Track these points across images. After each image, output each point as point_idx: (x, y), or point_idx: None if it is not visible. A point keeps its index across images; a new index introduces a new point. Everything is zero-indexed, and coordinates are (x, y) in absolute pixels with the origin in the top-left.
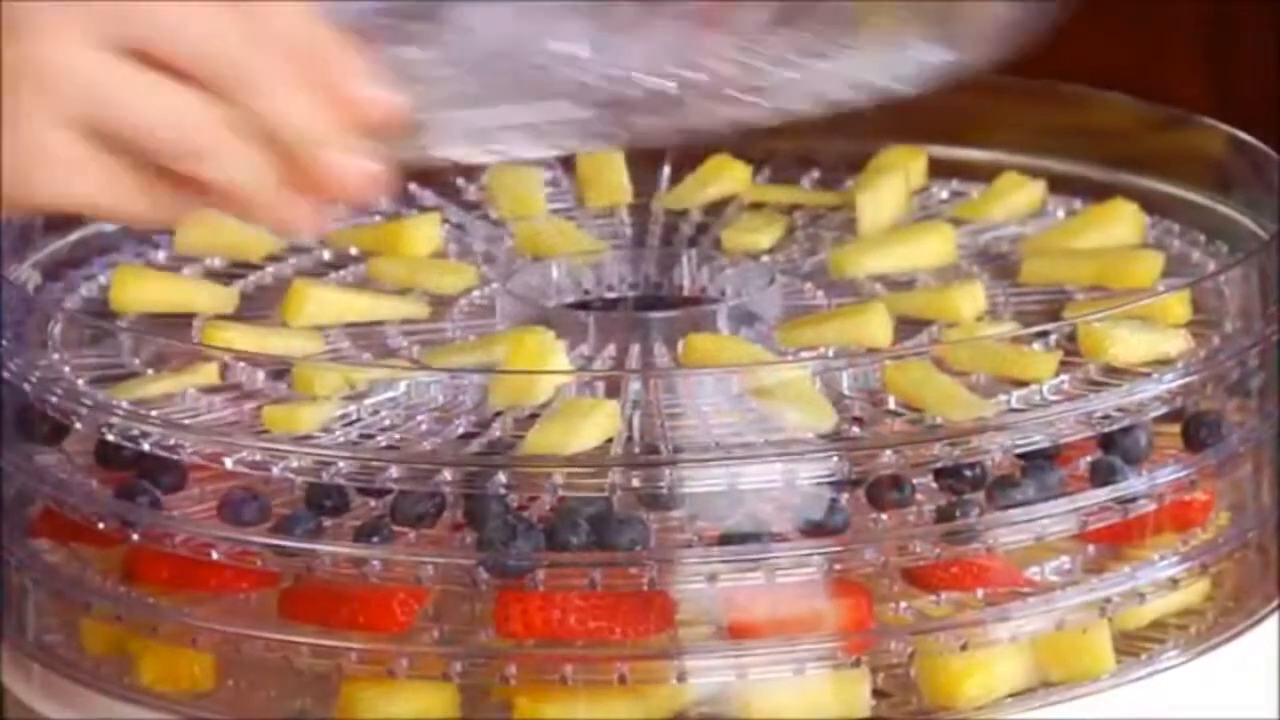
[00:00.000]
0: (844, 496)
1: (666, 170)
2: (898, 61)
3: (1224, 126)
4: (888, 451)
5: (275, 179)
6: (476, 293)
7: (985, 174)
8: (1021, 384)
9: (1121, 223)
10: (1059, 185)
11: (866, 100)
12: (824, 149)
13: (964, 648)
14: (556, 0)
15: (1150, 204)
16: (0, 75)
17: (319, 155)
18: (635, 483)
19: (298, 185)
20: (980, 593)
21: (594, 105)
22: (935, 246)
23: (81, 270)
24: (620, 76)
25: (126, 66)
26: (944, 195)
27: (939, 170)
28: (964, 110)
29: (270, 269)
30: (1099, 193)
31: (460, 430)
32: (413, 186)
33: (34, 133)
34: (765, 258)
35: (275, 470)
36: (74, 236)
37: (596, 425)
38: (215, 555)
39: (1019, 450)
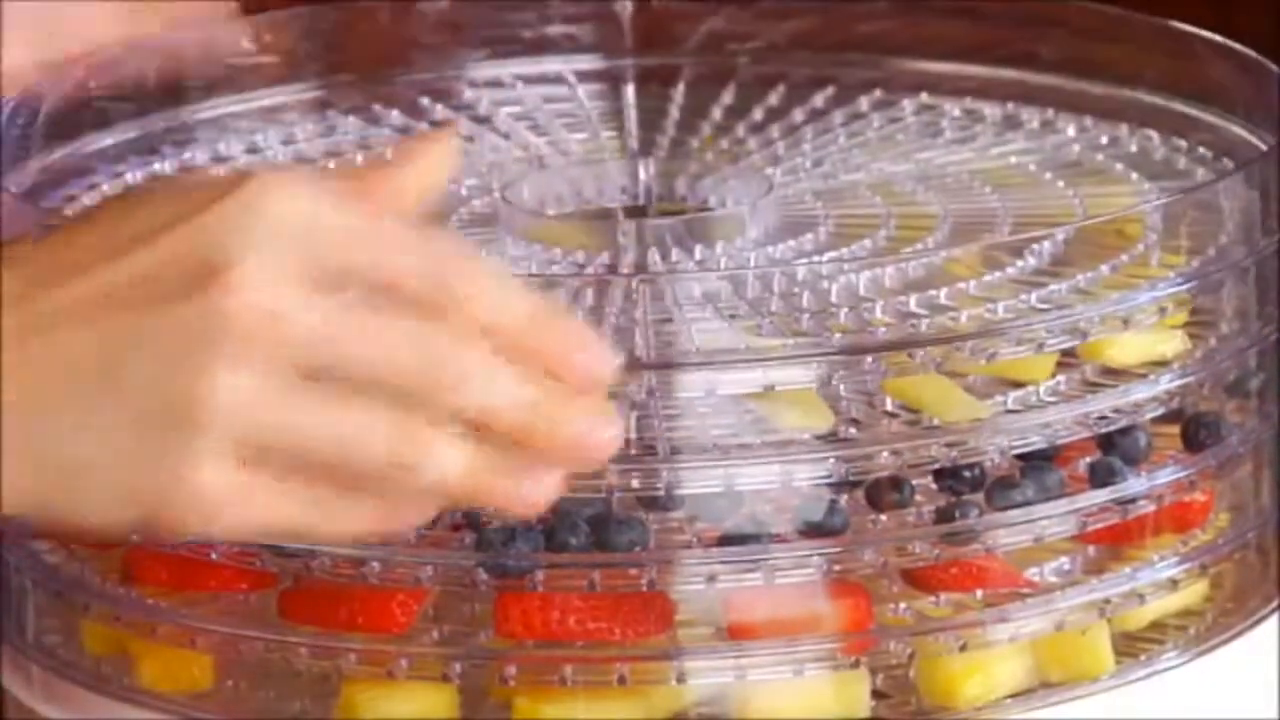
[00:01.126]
0: (843, 497)
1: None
2: None
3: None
4: (886, 452)
5: (496, 463)
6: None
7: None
8: (1019, 385)
9: None
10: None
11: None
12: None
13: (963, 648)
14: None
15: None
16: (160, 416)
17: (556, 428)
18: (634, 484)
19: (529, 461)
20: (979, 594)
21: None
22: None
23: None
24: None
25: (304, 391)
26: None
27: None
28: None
29: None
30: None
31: None
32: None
33: (205, 469)
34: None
35: None
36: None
37: None
38: (214, 556)
39: (1018, 451)
